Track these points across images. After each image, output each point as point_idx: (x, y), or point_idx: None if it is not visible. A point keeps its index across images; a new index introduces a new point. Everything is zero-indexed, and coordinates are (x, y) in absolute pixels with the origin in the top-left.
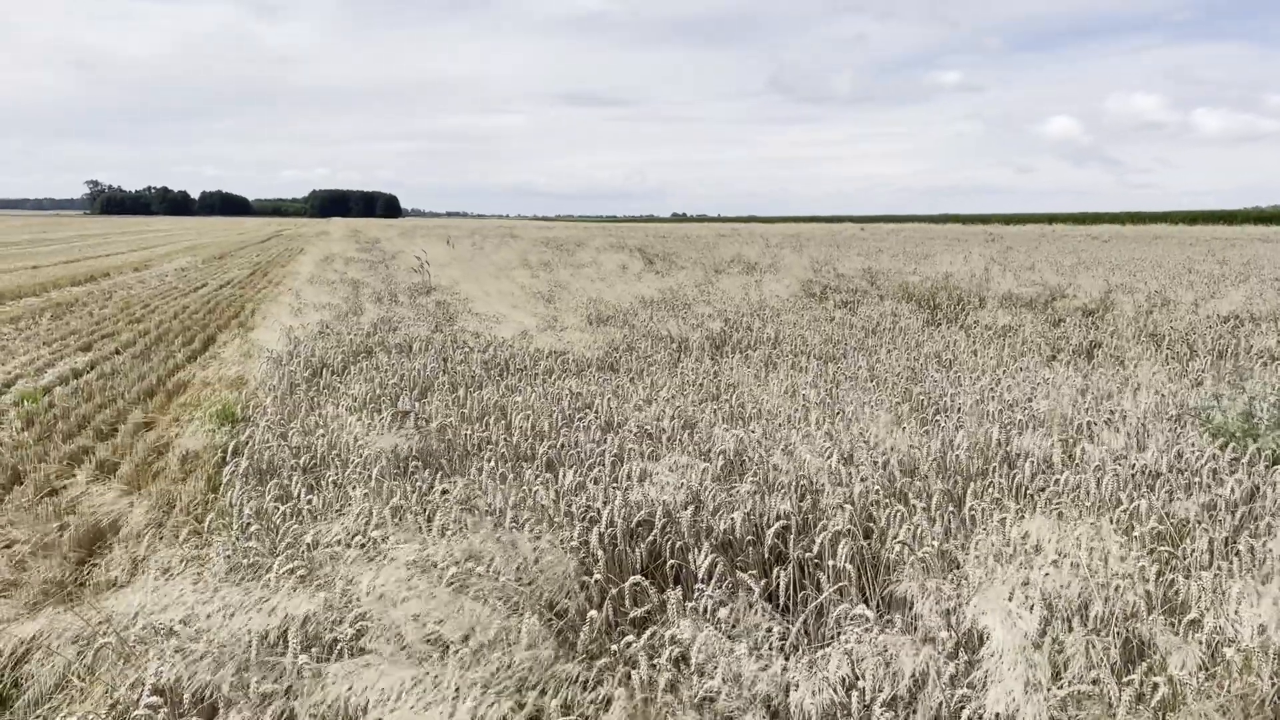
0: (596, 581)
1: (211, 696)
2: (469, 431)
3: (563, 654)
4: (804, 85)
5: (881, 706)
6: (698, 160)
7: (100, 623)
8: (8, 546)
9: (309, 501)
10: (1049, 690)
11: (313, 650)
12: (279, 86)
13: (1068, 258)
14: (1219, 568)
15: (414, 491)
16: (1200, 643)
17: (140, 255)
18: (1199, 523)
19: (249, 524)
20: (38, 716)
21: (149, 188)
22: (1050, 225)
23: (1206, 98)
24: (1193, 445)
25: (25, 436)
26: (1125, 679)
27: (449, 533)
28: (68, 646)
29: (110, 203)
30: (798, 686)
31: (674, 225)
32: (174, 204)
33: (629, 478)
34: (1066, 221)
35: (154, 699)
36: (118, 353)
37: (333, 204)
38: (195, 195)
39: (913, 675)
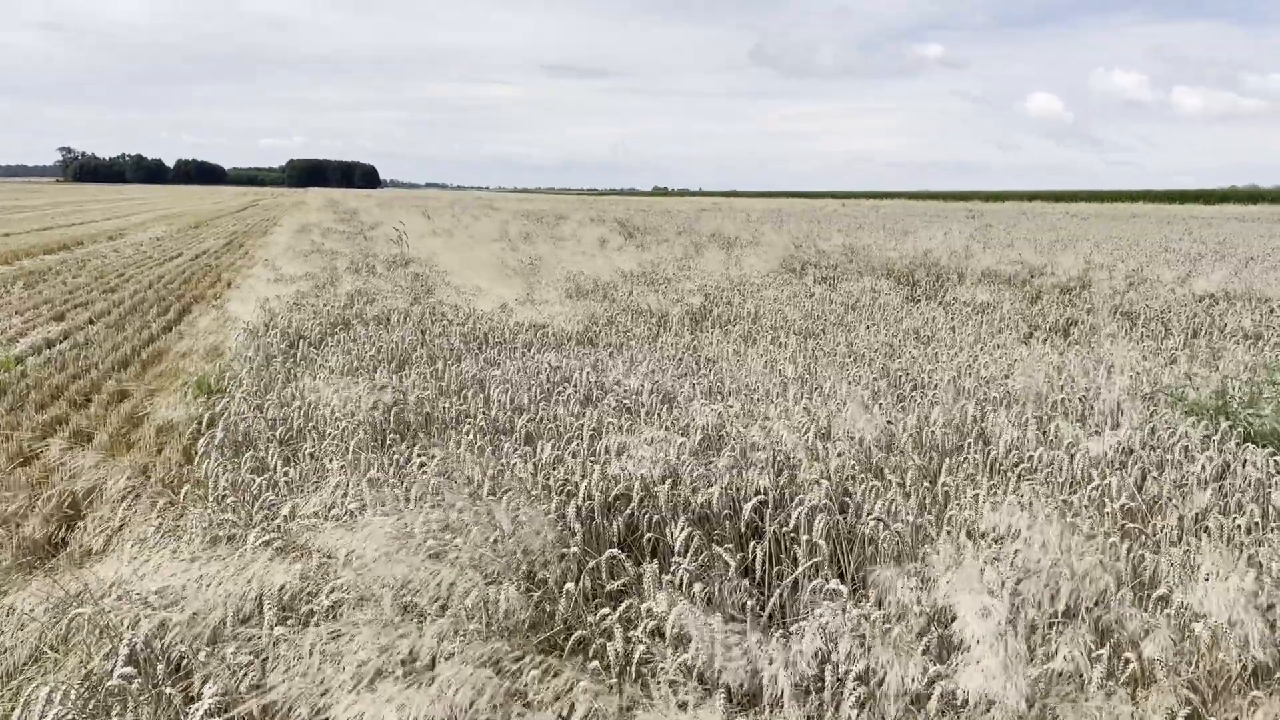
0: (574, 554)
1: (187, 667)
2: (447, 405)
3: (541, 624)
4: (786, 59)
5: (854, 681)
6: (679, 134)
7: (76, 593)
8: None
9: (285, 473)
10: (1022, 668)
11: (289, 621)
12: (257, 53)
13: (1046, 235)
14: (1189, 544)
15: (391, 464)
16: (1169, 618)
17: (114, 224)
18: (1169, 499)
19: (225, 495)
20: (10, 689)
21: (123, 155)
22: (1030, 203)
23: (1187, 76)
24: (1165, 423)
25: None
26: (1095, 654)
27: (427, 504)
28: (41, 618)
29: (84, 170)
30: (771, 660)
31: (655, 199)
32: (148, 172)
33: (607, 451)
34: (1046, 199)
35: (128, 669)
36: (91, 322)
37: (310, 174)
38: (170, 163)
39: (885, 650)
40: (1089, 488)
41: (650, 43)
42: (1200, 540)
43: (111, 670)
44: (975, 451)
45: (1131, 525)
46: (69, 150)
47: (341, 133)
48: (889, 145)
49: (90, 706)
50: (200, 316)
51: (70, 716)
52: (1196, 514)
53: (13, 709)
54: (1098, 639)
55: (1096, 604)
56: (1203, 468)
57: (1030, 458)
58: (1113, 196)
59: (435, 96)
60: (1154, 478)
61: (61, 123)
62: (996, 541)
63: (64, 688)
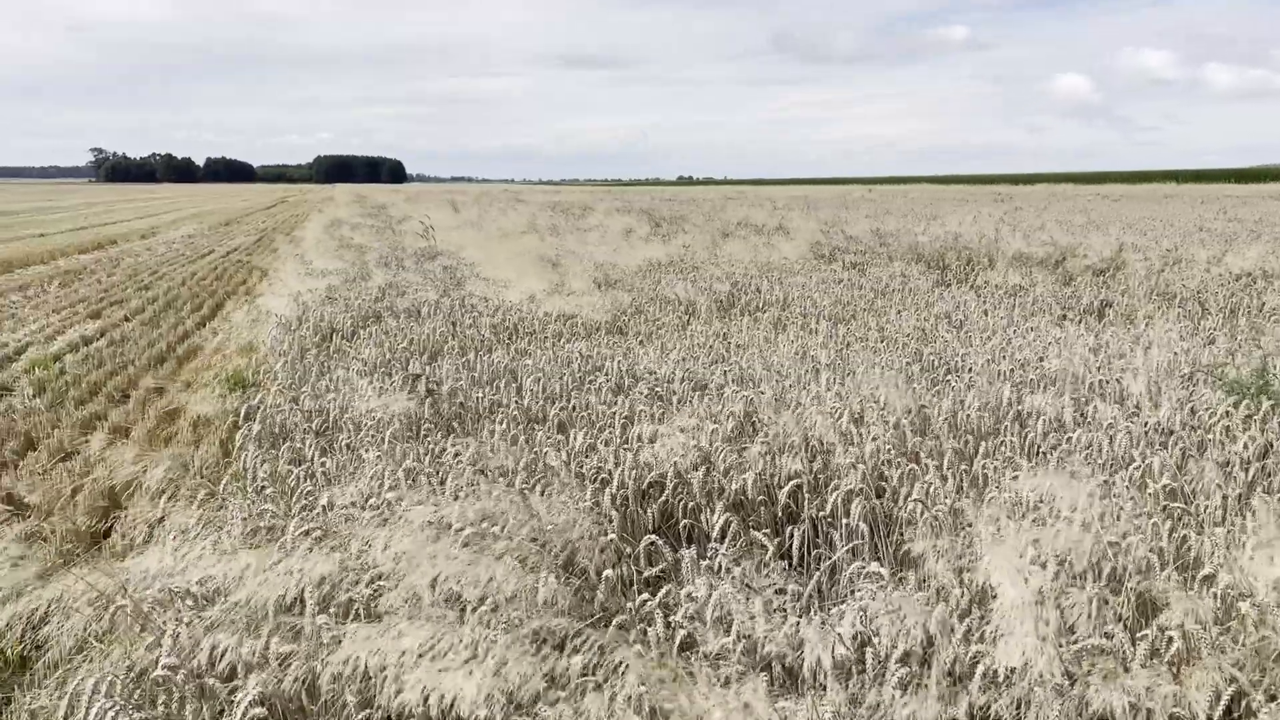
0: (611, 541)
1: (230, 657)
2: (480, 395)
3: (580, 612)
4: (806, 44)
5: (896, 663)
6: (702, 122)
7: (120, 586)
8: (24, 510)
9: (323, 464)
10: (1063, 645)
11: (331, 611)
12: (279, 50)
13: (1077, 217)
14: (1232, 524)
15: (426, 454)
16: (1215, 597)
17: (147, 223)
18: (1212, 479)
19: (264, 486)
20: (57, 678)
21: (154, 155)
22: (1059, 185)
23: (1217, 53)
24: (1206, 402)
25: (37, 403)
26: (1139, 634)
27: (463, 494)
28: (86, 609)
29: (115, 170)
30: (812, 643)
31: (680, 188)
32: (179, 171)
33: (640, 439)
34: (1075, 181)
35: (172, 660)
36: (127, 320)
37: (338, 170)
38: (200, 162)
39: (926, 632)
40: (1130, 468)
41: (667, 30)
42: (1245, 519)
43: (156, 661)
44: (1012, 434)
45: (1174, 505)
46: (100, 151)
47: (366, 128)
48: (913, 129)
49: (136, 697)
50: (234, 312)
51: (117, 708)
52: (1240, 494)
53: (60, 699)
54: (1141, 617)
55: (1139, 581)
56: (1245, 447)
57: (1069, 439)
58: (1144, 177)
59: (455, 89)
60: (1194, 457)
61: (92, 124)
62: (1037, 522)
63: (109, 678)
